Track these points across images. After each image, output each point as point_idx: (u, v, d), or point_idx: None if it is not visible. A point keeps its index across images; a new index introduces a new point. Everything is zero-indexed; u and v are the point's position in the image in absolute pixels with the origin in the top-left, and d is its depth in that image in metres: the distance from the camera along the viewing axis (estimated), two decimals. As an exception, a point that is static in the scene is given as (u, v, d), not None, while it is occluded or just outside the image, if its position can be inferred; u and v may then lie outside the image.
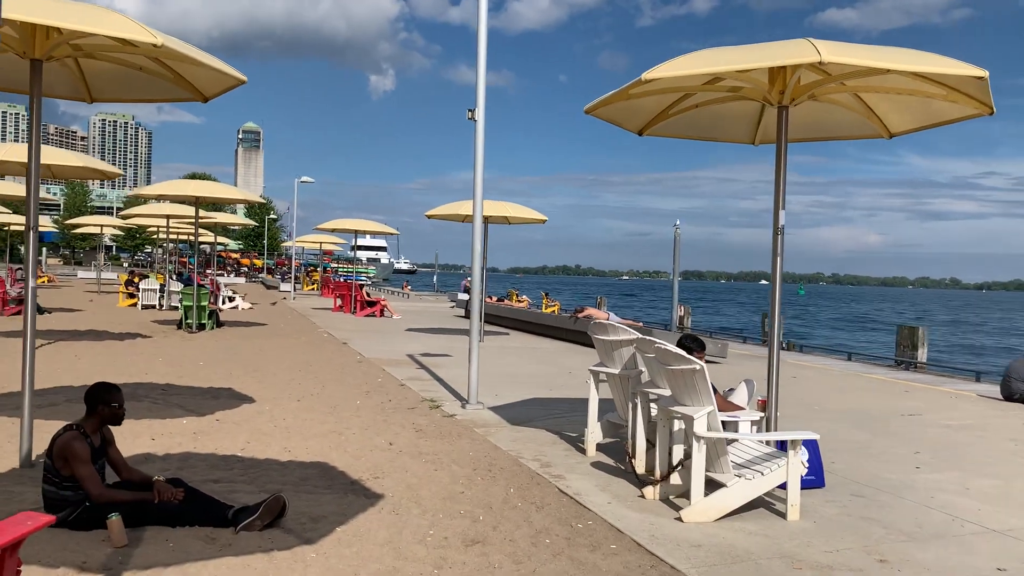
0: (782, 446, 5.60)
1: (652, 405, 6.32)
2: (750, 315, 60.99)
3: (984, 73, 4.73)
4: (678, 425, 5.55)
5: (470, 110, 8.65)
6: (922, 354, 18.92)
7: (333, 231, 27.89)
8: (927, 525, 5.12)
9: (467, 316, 25.88)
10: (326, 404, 8.67)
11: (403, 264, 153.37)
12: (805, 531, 4.90)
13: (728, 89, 6.01)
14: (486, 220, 17.18)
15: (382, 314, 24.19)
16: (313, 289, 44.14)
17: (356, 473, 5.89)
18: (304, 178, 34.32)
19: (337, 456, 6.37)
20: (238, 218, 29.50)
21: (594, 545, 4.54)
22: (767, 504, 5.38)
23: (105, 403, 4.60)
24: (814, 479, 5.84)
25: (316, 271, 51.22)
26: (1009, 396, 11.49)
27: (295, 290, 37.37)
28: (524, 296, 36.52)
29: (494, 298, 29.24)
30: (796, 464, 5.07)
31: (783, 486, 5.15)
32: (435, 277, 64.04)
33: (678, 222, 27.70)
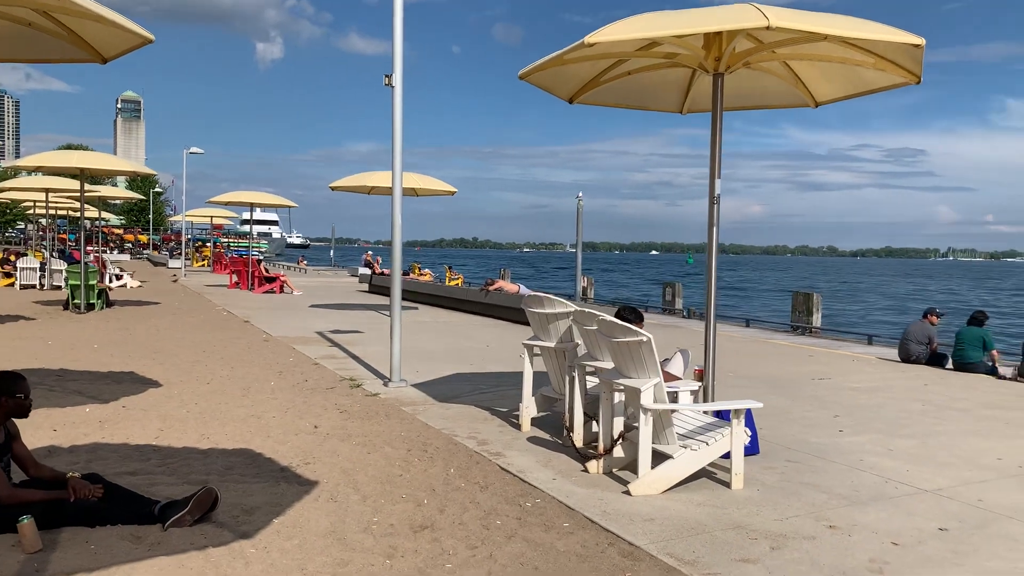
0: (719, 415, 5.62)
1: (589, 378, 6.24)
2: (649, 285, 62.31)
3: (921, 41, 4.76)
4: (619, 397, 5.47)
5: (387, 75, 8.28)
6: (816, 319, 19.67)
7: (227, 204, 26.74)
8: (863, 488, 5.22)
9: (372, 291, 25.45)
10: (238, 386, 8.23)
11: (296, 238, 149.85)
12: (751, 500, 4.91)
13: (664, 56, 5.90)
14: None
15: (282, 290, 23.42)
16: (203, 265, 42.39)
17: (285, 459, 5.57)
18: (193, 149, 32.75)
19: (261, 442, 6.03)
20: (126, 192, 27.83)
21: (547, 525, 4.41)
22: (709, 474, 5.38)
23: (9, 394, 4.15)
24: (750, 446, 5.87)
25: (206, 247, 49.22)
26: (907, 358, 12.03)
27: (185, 267, 35.78)
28: (427, 270, 36.13)
29: (408, 273, 28.76)
30: (740, 433, 5.07)
31: (726, 455, 5.15)
32: (332, 251, 62.66)
33: (580, 194, 27.81)
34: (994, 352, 11.30)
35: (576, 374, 6.00)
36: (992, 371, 11.08)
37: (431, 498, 4.83)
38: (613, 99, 6.80)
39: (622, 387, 5.22)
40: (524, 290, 18.36)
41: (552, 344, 6.33)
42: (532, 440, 6.28)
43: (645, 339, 4.89)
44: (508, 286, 18.19)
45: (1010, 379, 10.65)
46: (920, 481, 5.42)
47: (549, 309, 6.25)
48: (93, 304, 16.02)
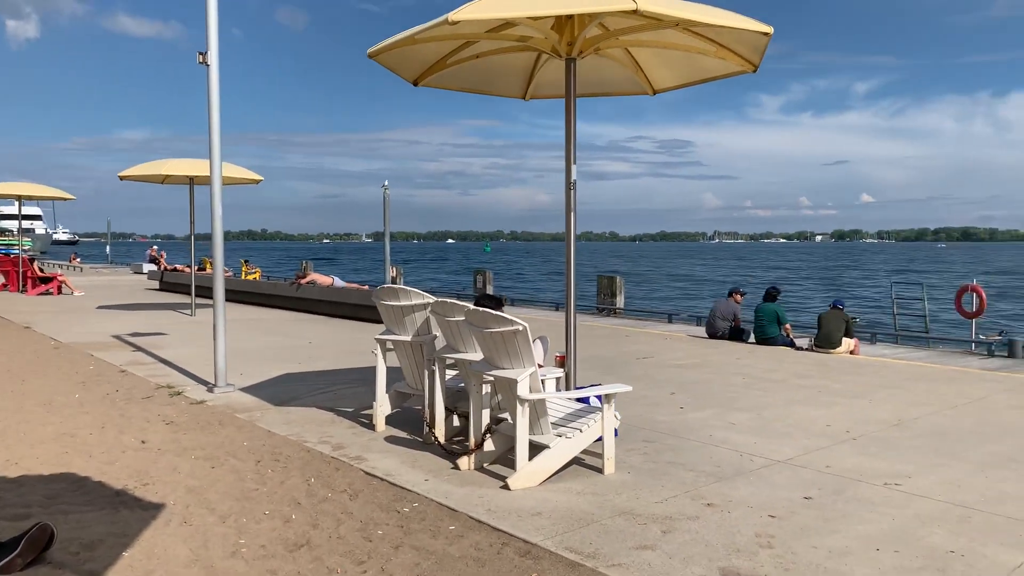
0: (586, 400, 5.61)
1: (448, 371, 6.03)
2: (456, 275, 62.65)
3: (769, 29, 4.95)
4: (486, 389, 5.31)
5: (201, 53, 7.57)
6: (620, 300, 20.56)
7: (-12, 197, 23.72)
8: (723, 464, 5.40)
9: (164, 288, 23.58)
10: (36, 401, 7.25)
11: (63, 234, 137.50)
12: (627, 484, 4.92)
13: (517, 39, 5.77)
14: (192, 181, 15.59)
15: (60, 291, 21.20)
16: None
17: (117, 481, 4.92)
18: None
19: (83, 463, 5.30)
20: None
21: (433, 530, 4.17)
22: (578, 460, 5.35)
23: None
24: (610, 430, 5.92)
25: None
26: (713, 334, 12.80)
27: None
28: (257, 267, 34.02)
29: (186, 267, 26.82)
30: (611, 418, 5.08)
31: (597, 440, 5.14)
32: (108, 247, 57.75)
33: (386, 183, 27.29)
34: (787, 326, 12.28)
35: (436, 368, 5.76)
36: (790, 343, 12.04)
37: (298, 512, 4.44)
38: (457, 83, 6.59)
39: (495, 378, 5.05)
40: (338, 282, 17.80)
41: (408, 337, 6.04)
42: (391, 440, 5.98)
43: (520, 328, 4.75)
44: (321, 279, 17.57)
45: (807, 349, 11.62)
46: (770, 452, 5.69)
47: (405, 301, 5.96)
48: None
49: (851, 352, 11.31)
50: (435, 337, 6.01)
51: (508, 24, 5.55)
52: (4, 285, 22.22)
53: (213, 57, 7.55)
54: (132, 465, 5.28)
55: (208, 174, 14.64)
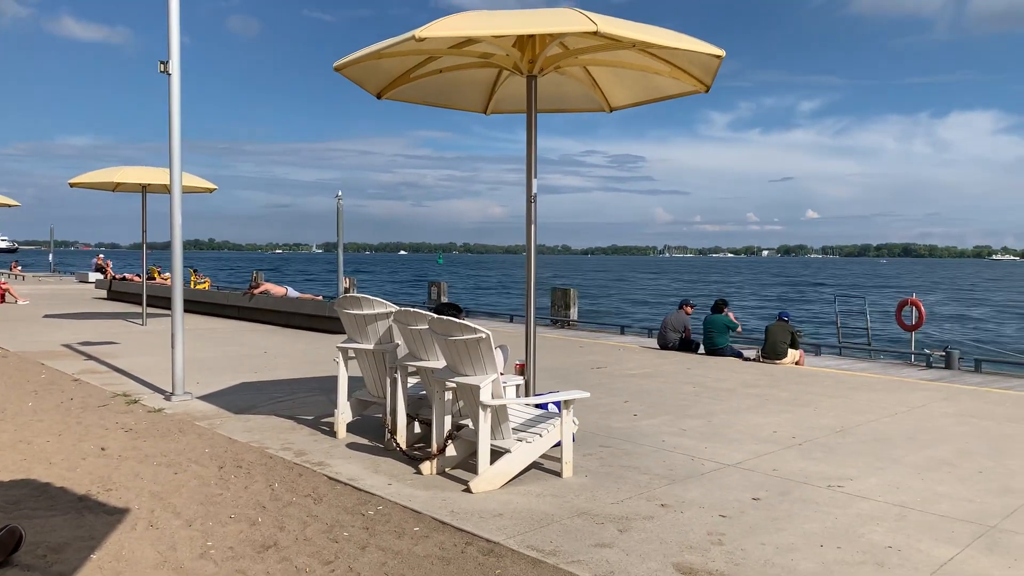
0: (544, 406, 5.77)
1: (411, 379, 6.15)
2: (410, 286, 62.46)
3: (721, 52, 5.20)
4: (448, 396, 5.45)
5: (162, 62, 7.60)
6: (574, 312, 20.82)
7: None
8: (676, 467, 5.61)
9: (112, 297, 23.16)
10: (-12, 410, 7.17)
11: (1, 242, 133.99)
12: (584, 486, 5.09)
13: (479, 55, 5.95)
14: (145, 189, 15.44)
15: (3, 299, 20.72)
16: None
17: (80, 487, 4.94)
18: None
19: (43, 470, 5.29)
20: None
21: (398, 531, 4.28)
22: (536, 464, 5.50)
23: None
24: (567, 436, 6.10)
25: None
26: (664, 345, 13.10)
27: None
28: (167, 273, 33.54)
29: (135, 276, 26.38)
30: (569, 424, 5.25)
31: (556, 445, 5.30)
32: (51, 255, 56.40)
33: (339, 193, 27.22)
34: (739, 329, 12.69)
35: (399, 375, 5.88)
36: (738, 354, 12.37)
37: (263, 516, 4.51)
38: (420, 96, 6.75)
39: (456, 384, 5.19)
40: (292, 292, 17.73)
41: (371, 346, 6.14)
42: (352, 447, 6.06)
43: (484, 336, 4.91)
44: (275, 289, 17.49)
45: (754, 360, 11.96)
46: (720, 456, 5.92)
47: (368, 310, 6.06)
48: None
49: (796, 363, 11.68)
50: (397, 346, 6.13)
51: (471, 41, 5.73)
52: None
53: (175, 66, 7.58)
54: (93, 471, 5.29)
55: (162, 182, 14.58)
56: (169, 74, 7.59)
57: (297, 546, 4.07)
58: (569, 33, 5.08)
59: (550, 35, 5.47)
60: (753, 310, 41.72)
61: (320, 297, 17.93)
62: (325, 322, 14.89)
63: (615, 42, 5.40)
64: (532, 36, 5.70)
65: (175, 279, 7.88)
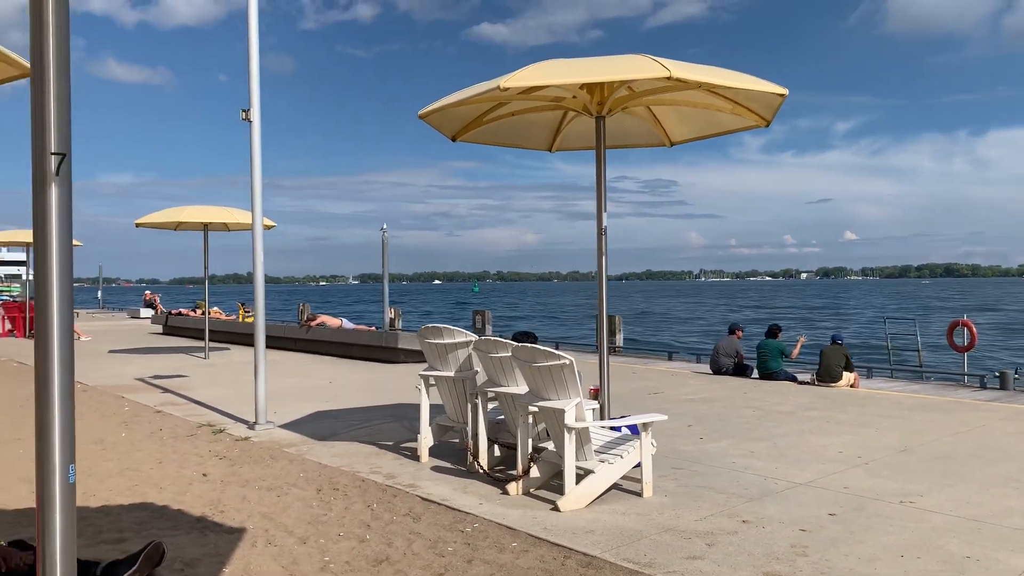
0: (620, 429, 6.06)
1: (489, 404, 6.47)
2: (449, 315, 63.05)
3: (785, 91, 5.52)
4: (531, 420, 5.75)
5: (244, 110, 8.10)
6: (620, 339, 21.06)
7: (-4, 244, 24.07)
8: (751, 487, 5.85)
9: (168, 332, 23.85)
10: (87, 440, 7.62)
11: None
12: (666, 505, 5.36)
13: (551, 99, 6.32)
14: (207, 228, 16.06)
15: (67, 336, 21.45)
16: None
17: (195, 510, 5.31)
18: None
19: (156, 494, 5.69)
20: None
21: (498, 546, 4.58)
22: (616, 485, 5.77)
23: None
24: (641, 458, 6.36)
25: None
26: (717, 370, 13.28)
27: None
28: (215, 308, 34.30)
29: (191, 311, 27.11)
30: (648, 445, 5.53)
31: (635, 466, 5.58)
32: (100, 292, 57.86)
33: (384, 225, 27.83)
34: (795, 350, 12.85)
35: (479, 401, 6.21)
36: (792, 378, 12.53)
37: (370, 533, 4.84)
38: (491, 137, 7.13)
39: (541, 408, 5.49)
40: (347, 324, 18.20)
41: (451, 373, 6.49)
42: (437, 469, 6.39)
43: (567, 362, 5.22)
44: (331, 320, 17.98)
45: (809, 383, 12.10)
46: (791, 476, 6.14)
47: (448, 339, 6.42)
48: None
49: (851, 385, 11.80)
50: (476, 373, 6.46)
51: (543, 85, 6.10)
52: (11, 331, 22.48)
53: (255, 114, 8.07)
54: (203, 495, 5.67)
55: (222, 220, 15.18)
56: (250, 121, 8.07)
57: (407, 560, 4.38)
58: (645, 79, 5.43)
59: (620, 79, 5.82)
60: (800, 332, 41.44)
61: (373, 328, 18.38)
62: (381, 352, 15.31)
63: (682, 83, 5.73)
64: (602, 82, 6.05)
65: (258, 314, 8.31)
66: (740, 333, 13.61)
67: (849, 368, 12.00)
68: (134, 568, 3.94)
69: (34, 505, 5.35)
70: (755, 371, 13.00)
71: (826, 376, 11.85)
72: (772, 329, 13.21)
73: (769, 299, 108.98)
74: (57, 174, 1.72)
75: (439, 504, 5.42)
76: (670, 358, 17.52)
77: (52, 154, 1.72)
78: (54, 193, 1.75)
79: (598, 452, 5.54)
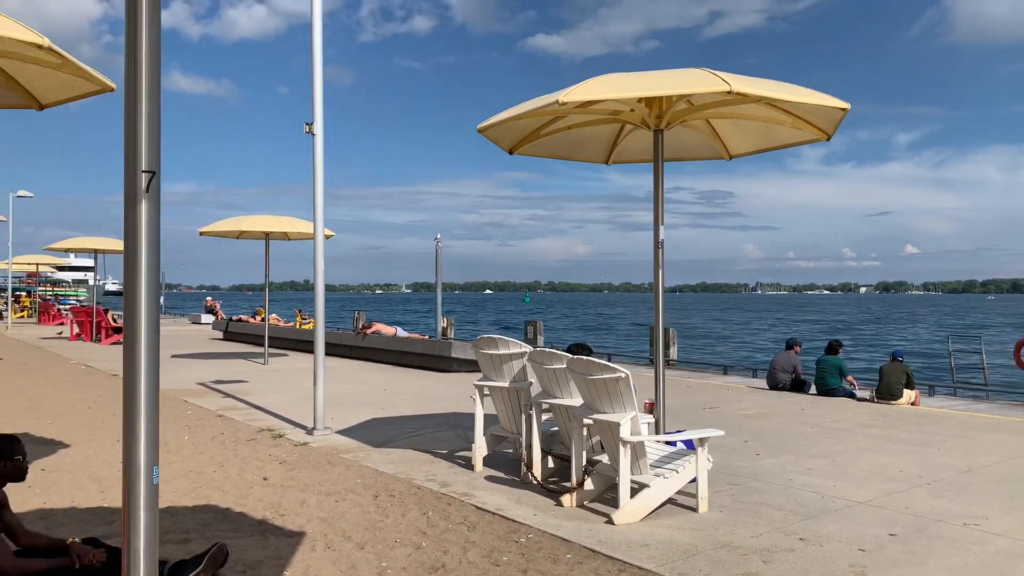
0: (675, 443, 6.04)
1: (545, 415, 6.51)
2: (500, 325, 63.23)
3: (847, 105, 5.46)
4: (585, 432, 5.77)
5: (307, 124, 8.29)
6: (674, 352, 20.87)
7: (67, 251, 24.99)
8: (808, 504, 5.77)
9: (228, 338, 24.42)
10: (152, 442, 7.85)
11: (113, 285, 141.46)
12: (722, 521, 5.32)
13: (608, 112, 6.36)
14: (266, 236, 16.42)
15: (131, 340, 22.08)
16: (23, 316, 39.07)
17: (256, 513, 5.45)
18: (21, 192, 30.34)
19: (220, 497, 5.85)
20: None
21: (552, 558, 4.61)
22: (670, 499, 5.75)
23: (7, 457, 3.90)
24: (696, 473, 6.33)
25: (25, 296, 45.38)
26: (774, 386, 13.10)
27: (6, 319, 32.88)
28: (273, 314, 34.96)
29: (250, 318, 27.69)
30: (704, 460, 5.50)
31: (690, 481, 5.55)
32: (162, 298, 59.39)
33: (438, 236, 28.09)
34: (850, 378, 12.55)
35: (533, 412, 6.25)
36: (850, 394, 12.29)
37: (426, 541, 4.91)
38: (547, 150, 7.19)
39: (596, 421, 5.51)
40: (401, 332, 18.40)
41: (506, 384, 6.54)
42: (491, 479, 6.44)
43: (623, 375, 5.23)
44: (385, 329, 18.20)
45: (868, 400, 11.86)
46: (849, 494, 6.04)
47: (503, 350, 6.48)
48: (-72, 362, 14.58)
49: (912, 403, 11.53)
50: (531, 384, 6.50)
51: (601, 100, 6.13)
52: (79, 335, 23.22)
53: (319, 127, 8.27)
54: (264, 499, 5.81)
55: (282, 230, 15.52)
56: (314, 135, 8.27)
57: (463, 568, 4.44)
58: (705, 93, 5.43)
59: (680, 94, 5.83)
60: (858, 348, 40.61)
61: (427, 336, 18.55)
62: (435, 360, 15.45)
63: (742, 97, 5.72)
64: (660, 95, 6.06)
65: (318, 323, 8.48)
66: (798, 348, 13.41)
67: (910, 385, 11.72)
68: (199, 568, 4.06)
69: (105, 504, 5.56)
70: (813, 387, 12.79)
71: (886, 393, 11.60)
72: (832, 345, 12.97)
73: (830, 313, 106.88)
74: (147, 191, 1.83)
75: (493, 513, 5.47)
76: (725, 372, 17.32)
77: (143, 172, 1.83)
78: (144, 209, 1.86)
79: (653, 466, 5.53)
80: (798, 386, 12.92)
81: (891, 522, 5.32)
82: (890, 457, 7.44)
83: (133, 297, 1.94)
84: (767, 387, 13.23)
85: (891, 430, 8.98)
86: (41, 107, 5.75)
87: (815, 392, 12.58)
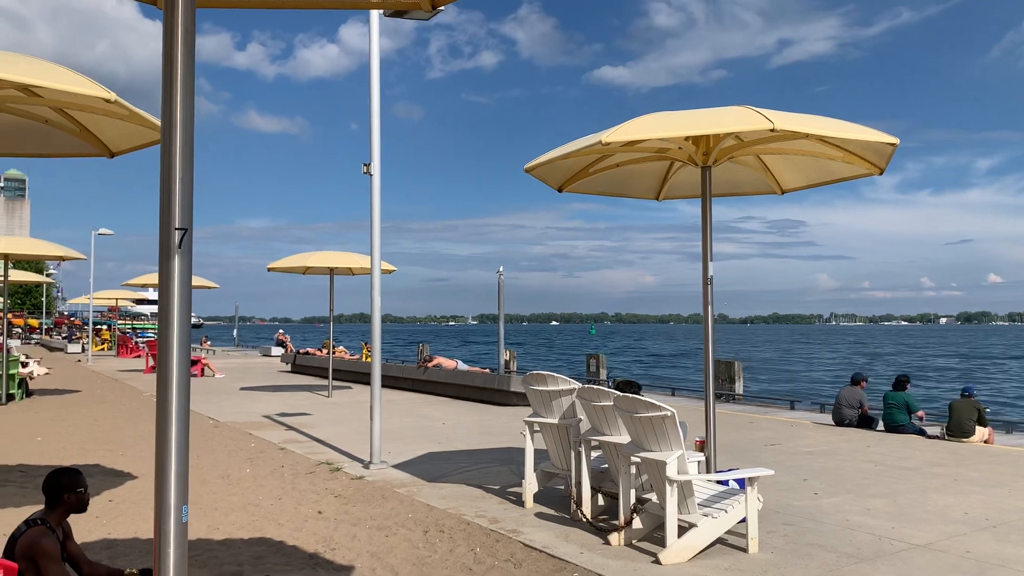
0: (725, 483, 5.96)
1: (593, 452, 6.50)
2: (565, 359, 63.05)
3: (896, 140, 5.40)
4: (633, 470, 5.75)
5: (365, 164, 8.55)
6: (739, 386, 20.50)
7: (144, 286, 25.99)
8: (863, 546, 5.63)
9: (295, 371, 24.99)
10: (215, 475, 8.10)
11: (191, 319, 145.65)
12: (772, 563, 5.23)
13: (655, 150, 6.41)
14: (331, 272, 16.82)
15: (203, 373, 22.79)
16: (103, 349, 40.61)
17: (308, 546, 5.58)
18: (102, 230, 31.75)
19: (275, 530, 6.00)
20: (31, 274, 26.45)
21: (596, 596, 4.60)
22: (720, 539, 5.68)
23: (71, 489, 4.10)
24: (748, 512, 6.23)
25: (105, 330, 47.22)
26: (840, 421, 12.77)
27: (88, 351, 34.24)
28: (340, 347, 35.63)
29: (317, 351, 28.28)
30: (754, 500, 5.42)
31: (740, 521, 5.47)
32: (236, 331, 61.04)
33: (501, 268, 28.23)
34: (920, 413, 12.16)
35: (583, 449, 6.25)
36: (920, 431, 11.90)
37: (472, 577, 4.95)
38: (596, 188, 7.26)
39: (644, 460, 5.49)
40: (462, 365, 18.57)
41: (555, 420, 6.57)
42: (540, 516, 6.46)
43: (669, 414, 5.22)
44: (446, 362, 18.39)
45: (938, 438, 11.47)
46: (908, 537, 5.87)
47: (552, 387, 6.52)
48: (13, 395, 15.29)
49: (985, 441, 11.11)
50: (580, 420, 6.52)
51: (644, 139, 6.18)
52: (154, 367, 24.02)
53: (376, 168, 8.51)
54: (317, 532, 5.94)
55: (346, 265, 15.88)
56: (371, 175, 8.51)
57: (505, 606, 4.46)
58: (748, 131, 5.44)
59: (722, 133, 5.84)
60: (931, 383, 39.24)
61: (487, 370, 18.66)
62: (494, 394, 15.53)
63: (791, 134, 5.70)
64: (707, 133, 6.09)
65: (375, 359, 8.66)
66: (864, 384, 13.06)
67: (983, 422, 11.30)
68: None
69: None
70: (881, 423, 12.43)
71: (957, 431, 11.20)
72: (900, 380, 12.60)
73: (911, 346, 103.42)
74: (179, 247, 1.97)
75: (540, 551, 5.48)
76: (792, 407, 16.94)
77: (175, 229, 1.97)
78: (176, 264, 2.00)
79: (702, 505, 5.48)
80: (866, 422, 12.57)
81: (950, 567, 5.14)
82: (956, 498, 7.19)
83: (165, 344, 2.08)
84: (832, 423, 12.91)
85: (959, 469, 8.68)
86: (112, 155, 6.09)
87: (883, 429, 12.22)
